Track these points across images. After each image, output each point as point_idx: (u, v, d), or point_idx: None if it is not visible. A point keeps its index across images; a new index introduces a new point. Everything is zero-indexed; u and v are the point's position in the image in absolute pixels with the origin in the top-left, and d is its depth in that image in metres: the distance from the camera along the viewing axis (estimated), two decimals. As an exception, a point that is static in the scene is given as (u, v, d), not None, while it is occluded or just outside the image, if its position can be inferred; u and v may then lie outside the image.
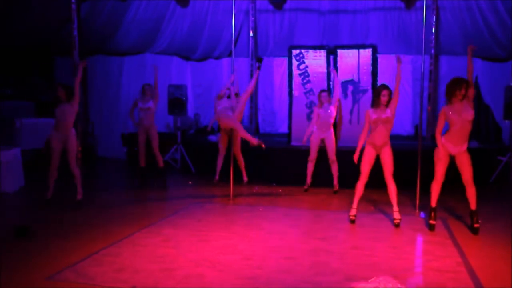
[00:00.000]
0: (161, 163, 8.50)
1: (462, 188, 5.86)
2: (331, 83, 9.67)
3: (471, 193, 5.77)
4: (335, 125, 8.52)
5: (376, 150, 6.10)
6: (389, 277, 3.99)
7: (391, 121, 6.05)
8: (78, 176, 7.09)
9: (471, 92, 5.61)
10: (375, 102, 6.12)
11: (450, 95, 5.62)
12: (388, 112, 6.01)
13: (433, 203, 5.90)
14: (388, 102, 6.02)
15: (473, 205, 5.79)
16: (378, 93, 6.06)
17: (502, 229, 5.97)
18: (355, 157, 6.17)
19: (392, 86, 6.15)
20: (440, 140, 5.74)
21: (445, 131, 5.81)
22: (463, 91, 5.53)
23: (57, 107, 7.03)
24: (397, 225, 6.04)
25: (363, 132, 6.21)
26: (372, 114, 6.07)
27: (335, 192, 8.19)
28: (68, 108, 6.98)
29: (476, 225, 5.75)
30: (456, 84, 5.58)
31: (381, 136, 6.03)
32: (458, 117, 5.58)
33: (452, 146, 5.68)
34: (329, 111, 8.11)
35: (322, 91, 8.35)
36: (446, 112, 5.66)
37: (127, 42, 11.62)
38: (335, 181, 8.23)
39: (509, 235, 5.65)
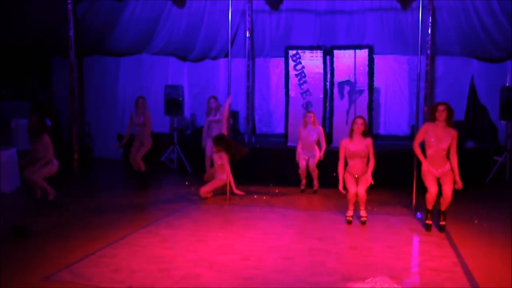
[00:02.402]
0: (143, 168, 8.54)
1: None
2: (327, 83, 9.70)
3: (446, 201, 5.81)
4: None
5: (355, 178, 6.24)
6: (385, 277, 4.01)
7: (367, 155, 6.20)
8: (37, 182, 7.10)
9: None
10: (350, 132, 6.24)
11: (432, 118, 5.85)
12: (365, 146, 6.16)
13: (429, 207, 5.95)
14: (364, 132, 6.17)
15: (443, 208, 5.86)
16: (352, 122, 6.26)
17: (499, 229, 6.00)
18: (340, 188, 6.22)
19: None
20: (421, 155, 5.91)
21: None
22: (438, 112, 5.73)
23: (31, 140, 7.08)
24: (363, 223, 6.20)
25: (340, 163, 6.29)
26: (349, 146, 6.19)
27: (314, 192, 8.26)
28: (39, 144, 7.03)
29: (442, 223, 5.87)
30: (434, 106, 5.87)
31: (359, 167, 6.20)
32: (436, 142, 5.77)
33: (434, 170, 5.83)
34: (310, 135, 8.14)
35: (308, 112, 8.45)
36: (427, 129, 5.85)
37: (124, 42, 11.60)
38: (315, 181, 8.28)
39: (506, 235, 5.67)
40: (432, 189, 5.79)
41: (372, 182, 6.19)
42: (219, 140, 7.55)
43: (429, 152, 5.85)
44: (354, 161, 6.20)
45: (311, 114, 8.27)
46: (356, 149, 6.15)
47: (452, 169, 5.77)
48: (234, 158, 7.63)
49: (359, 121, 6.21)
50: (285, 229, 6.00)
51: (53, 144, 7.26)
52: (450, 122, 5.77)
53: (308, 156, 8.14)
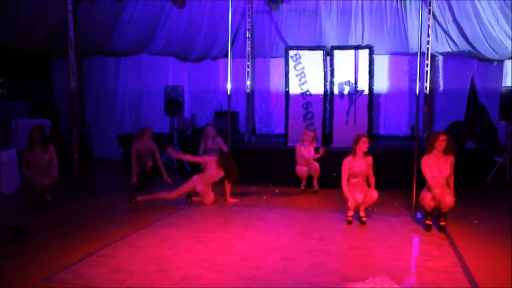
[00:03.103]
0: (148, 168, 8.57)
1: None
2: (327, 84, 9.69)
3: (447, 207, 5.83)
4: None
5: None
6: (385, 278, 4.00)
7: (367, 174, 6.28)
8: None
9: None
10: (353, 150, 6.25)
11: (431, 147, 5.90)
12: (366, 165, 6.21)
13: (429, 210, 5.96)
14: (367, 150, 6.22)
15: (444, 210, 5.87)
16: (357, 140, 6.25)
17: (498, 229, 5.99)
18: (349, 204, 6.20)
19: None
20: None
21: None
22: (438, 141, 5.80)
23: (32, 150, 7.03)
24: (363, 223, 6.22)
25: (343, 182, 6.27)
26: (353, 166, 6.21)
27: (314, 192, 8.27)
28: (44, 155, 7.01)
29: (442, 223, 5.88)
30: (435, 135, 5.94)
31: (361, 184, 6.22)
32: (439, 173, 5.83)
33: (435, 192, 5.84)
34: (310, 152, 8.16)
35: (309, 130, 8.46)
36: (429, 164, 5.89)
37: (124, 42, 11.59)
38: (315, 182, 8.30)
39: (505, 235, 5.67)
40: (432, 203, 5.85)
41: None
42: (224, 159, 7.50)
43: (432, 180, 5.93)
44: (356, 179, 6.26)
45: (312, 134, 8.29)
46: (359, 169, 6.20)
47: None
48: (229, 180, 7.58)
49: (367, 140, 6.24)
50: (285, 230, 6.00)
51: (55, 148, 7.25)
52: (448, 151, 5.84)
53: (310, 167, 8.19)
